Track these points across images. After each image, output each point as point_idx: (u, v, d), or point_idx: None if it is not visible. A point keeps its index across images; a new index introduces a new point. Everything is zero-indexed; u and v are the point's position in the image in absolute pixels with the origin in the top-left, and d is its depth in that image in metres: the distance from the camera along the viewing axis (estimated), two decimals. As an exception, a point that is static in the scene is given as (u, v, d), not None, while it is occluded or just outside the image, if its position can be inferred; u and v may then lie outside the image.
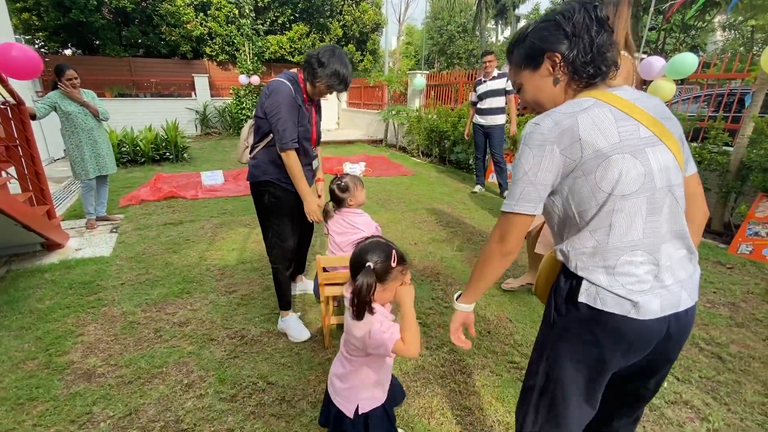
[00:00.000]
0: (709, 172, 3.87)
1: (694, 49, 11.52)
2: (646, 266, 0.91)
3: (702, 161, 3.79)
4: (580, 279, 0.95)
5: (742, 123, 3.62)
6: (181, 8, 12.10)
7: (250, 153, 2.15)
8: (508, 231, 0.98)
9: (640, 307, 0.89)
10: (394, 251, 1.17)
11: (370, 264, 1.12)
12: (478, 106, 5.11)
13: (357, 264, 1.16)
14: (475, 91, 5.16)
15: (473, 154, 5.79)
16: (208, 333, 2.27)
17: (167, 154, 7.42)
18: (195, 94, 11.90)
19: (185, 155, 7.66)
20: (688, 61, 4.05)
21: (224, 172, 6.04)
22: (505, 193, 4.07)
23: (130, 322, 2.37)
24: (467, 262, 3.23)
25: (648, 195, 0.89)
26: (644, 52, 5.69)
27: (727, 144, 3.86)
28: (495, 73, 4.93)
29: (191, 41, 12.68)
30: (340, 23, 14.14)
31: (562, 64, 0.97)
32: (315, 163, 2.35)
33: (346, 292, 1.22)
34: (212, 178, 5.76)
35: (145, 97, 11.44)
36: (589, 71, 0.96)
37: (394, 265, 1.15)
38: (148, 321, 2.39)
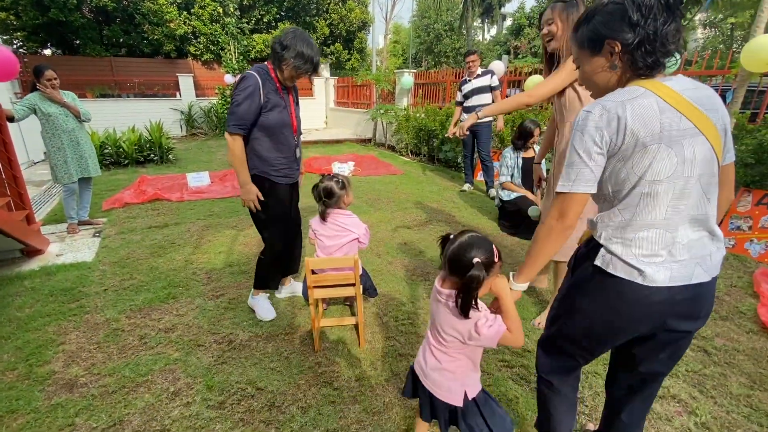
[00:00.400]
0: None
1: (675, 46, 11.80)
2: (661, 242, 0.99)
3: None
4: (599, 246, 1.07)
5: (724, 119, 3.68)
6: (163, 6, 11.86)
7: None
8: (567, 208, 1.05)
9: (647, 275, 0.98)
10: (494, 246, 1.17)
11: (477, 260, 1.10)
12: (465, 104, 5.12)
13: (460, 260, 1.13)
14: (460, 90, 5.17)
15: (462, 152, 5.81)
16: (194, 338, 2.22)
17: (151, 155, 7.27)
18: (180, 94, 11.70)
19: (170, 156, 7.52)
20: (669, 60, 4.12)
21: (210, 173, 5.95)
22: (495, 191, 4.06)
23: (113, 329, 2.31)
24: (457, 260, 3.23)
25: (677, 182, 0.96)
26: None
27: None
28: (479, 71, 4.94)
29: (175, 40, 12.44)
30: (327, 22, 14.03)
31: (621, 52, 1.00)
32: (297, 152, 2.32)
33: (440, 286, 1.23)
34: (198, 179, 5.66)
35: (128, 97, 11.19)
36: (648, 62, 0.98)
37: (496, 260, 1.16)
38: (132, 328, 2.33)
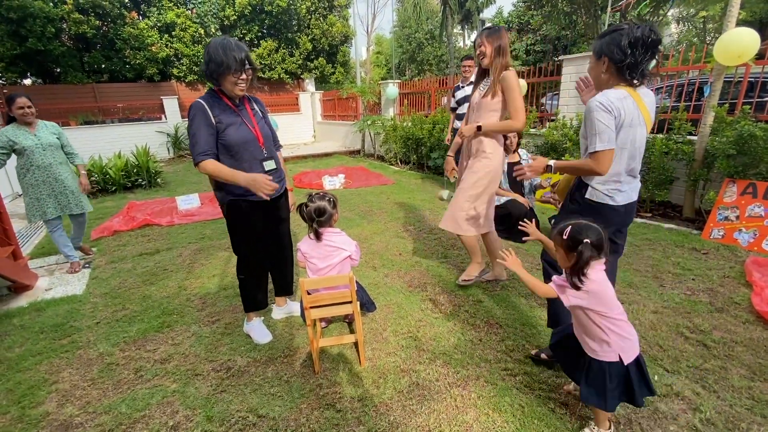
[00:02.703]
0: (677, 162, 4.01)
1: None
2: (620, 182, 1.75)
3: (669, 152, 3.92)
4: (587, 186, 1.78)
5: (703, 113, 3.77)
6: (144, 31, 11.87)
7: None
8: (603, 160, 1.64)
9: (614, 200, 1.75)
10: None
11: (587, 240, 1.38)
12: (458, 111, 5.16)
13: (575, 241, 1.40)
14: (453, 96, 5.21)
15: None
16: (192, 368, 2.18)
17: (139, 180, 7.21)
18: (165, 116, 11.64)
19: (158, 180, 7.46)
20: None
21: (200, 194, 5.90)
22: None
23: (107, 363, 2.25)
24: (454, 269, 3.22)
25: (631, 149, 1.71)
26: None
27: (690, 133, 4.01)
28: (471, 78, 4.99)
29: (157, 63, 12.43)
30: (309, 37, 14.14)
31: (609, 65, 1.65)
32: (272, 164, 2.22)
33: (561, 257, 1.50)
34: (188, 202, 5.61)
35: (113, 122, 11.12)
36: (628, 78, 1.64)
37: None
38: (127, 361, 2.27)
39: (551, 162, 1.86)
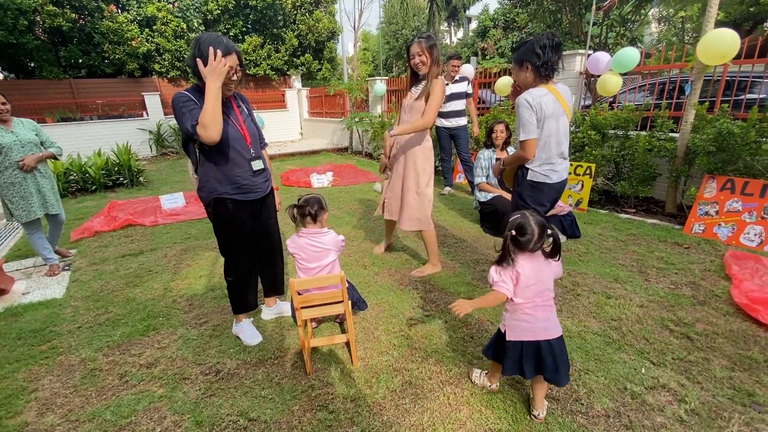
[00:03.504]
0: (659, 158, 4.10)
1: (633, 41, 12.37)
2: (553, 164, 2.17)
3: (652, 149, 4.01)
4: (528, 170, 2.19)
5: (684, 111, 3.86)
6: (123, 25, 11.52)
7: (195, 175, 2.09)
8: (528, 147, 2.09)
9: (551, 178, 2.17)
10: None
11: (555, 231, 1.56)
12: (442, 109, 5.16)
13: (544, 227, 1.53)
14: None
15: (439, 156, 5.85)
16: (179, 372, 2.13)
17: (121, 179, 7.01)
18: (147, 113, 11.36)
19: (141, 179, 7.27)
20: (630, 55, 4.29)
21: (185, 193, 5.78)
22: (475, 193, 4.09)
23: (90, 369, 2.18)
24: (445, 266, 3.23)
25: (557, 135, 2.12)
26: (590, 48, 5.98)
27: (672, 131, 4.10)
28: (457, 77, 5.00)
29: (138, 58, 12.09)
30: (295, 33, 13.95)
31: (531, 68, 2.09)
32: (260, 164, 2.17)
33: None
34: (172, 201, 5.49)
35: (92, 120, 10.78)
36: (542, 74, 2.08)
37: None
38: (111, 366, 2.21)
39: (503, 158, 2.37)
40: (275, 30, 13.65)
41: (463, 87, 5.01)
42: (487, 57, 23.52)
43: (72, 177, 6.56)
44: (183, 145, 2.09)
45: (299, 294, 1.98)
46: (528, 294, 1.56)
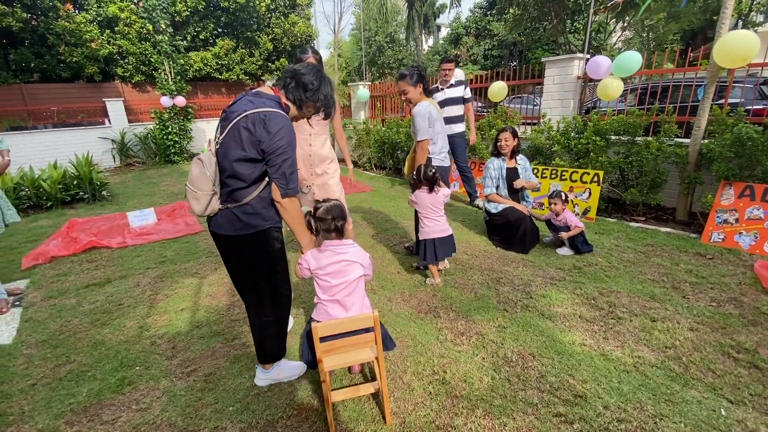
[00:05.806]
0: (669, 164, 3.97)
1: (597, 50, 12.69)
2: (444, 153, 3.22)
3: (662, 154, 3.87)
4: (431, 159, 3.13)
5: (698, 115, 3.74)
6: (81, 25, 10.64)
7: (239, 200, 1.70)
8: (424, 146, 3.01)
9: (446, 162, 3.26)
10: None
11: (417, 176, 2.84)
12: None
13: (417, 177, 2.86)
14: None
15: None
16: (167, 445, 1.69)
17: (81, 193, 6.30)
18: (109, 120, 10.51)
19: (104, 193, 6.58)
20: (633, 59, 4.17)
21: (156, 208, 5.20)
22: (483, 203, 3.91)
23: (48, 447, 1.70)
24: (463, 288, 2.92)
25: (442, 132, 3.16)
26: (589, 52, 5.90)
27: (676, 136, 3.99)
28: (452, 80, 4.75)
29: (98, 62, 11.20)
30: (270, 37, 13.43)
31: (419, 87, 3.00)
32: None
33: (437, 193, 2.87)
34: (142, 218, 4.91)
35: (46, 128, 9.83)
36: (426, 93, 3.08)
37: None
38: (76, 441, 1.73)
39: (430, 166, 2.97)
40: (249, 33, 13.09)
41: (460, 92, 4.76)
42: (460, 64, 23.76)
43: (23, 192, 5.83)
44: (241, 161, 1.65)
45: (321, 341, 1.60)
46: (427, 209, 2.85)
